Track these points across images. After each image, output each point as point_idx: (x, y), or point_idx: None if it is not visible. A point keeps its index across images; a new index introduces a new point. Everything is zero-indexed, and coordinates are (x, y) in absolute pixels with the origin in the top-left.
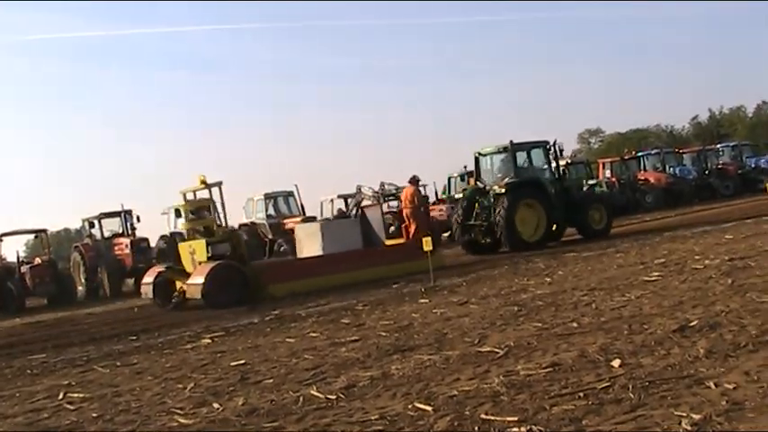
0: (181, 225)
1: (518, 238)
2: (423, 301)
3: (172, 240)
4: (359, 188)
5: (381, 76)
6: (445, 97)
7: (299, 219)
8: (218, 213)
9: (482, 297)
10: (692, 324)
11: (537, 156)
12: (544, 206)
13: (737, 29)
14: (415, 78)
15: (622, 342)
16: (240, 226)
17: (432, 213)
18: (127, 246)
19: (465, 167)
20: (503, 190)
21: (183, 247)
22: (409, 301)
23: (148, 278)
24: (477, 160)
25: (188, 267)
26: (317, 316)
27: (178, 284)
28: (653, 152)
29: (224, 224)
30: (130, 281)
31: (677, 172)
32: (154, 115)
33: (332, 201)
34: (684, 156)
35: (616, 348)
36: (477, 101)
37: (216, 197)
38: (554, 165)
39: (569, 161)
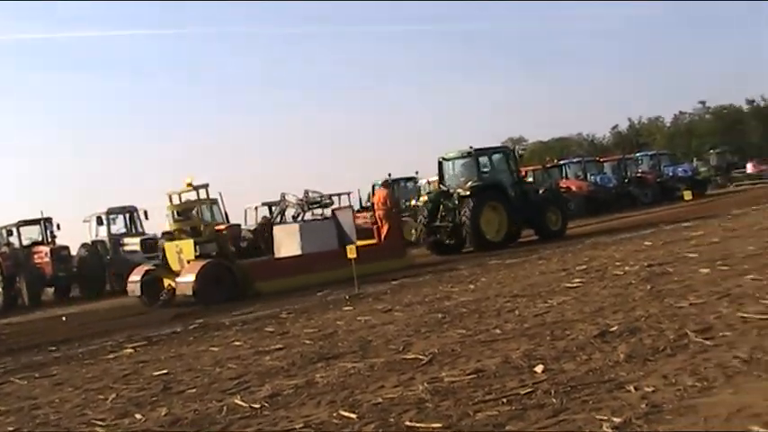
0: (168, 225)
1: (483, 238)
2: (347, 308)
3: (93, 248)
4: (283, 196)
5: (301, 81)
6: (371, 107)
7: (223, 227)
8: (218, 213)
9: (406, 304)
10: (612, 329)
11: (498, 160)
12: (506, 208)
13: (656, 39)
14: (345, 85)
15: (545, 348)
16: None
17: (357, 221)
18: (47, 254)
19: (389, 175)
20: (468, 192)
21: (170, 247)
22: (334, 309)
23: (135, 276)
24: (440, 165)
25: (175, 266)
26: (242, 324)
27: (166, 282)
28: (574, 161)
29: (227, 223)
30: (50, 290)
31: (598, 180)
32: (78, 123)
33: (256, 208)
34: (605, 165)
35: (539, 354)
36: (398, 111)
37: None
38: (514, 169)
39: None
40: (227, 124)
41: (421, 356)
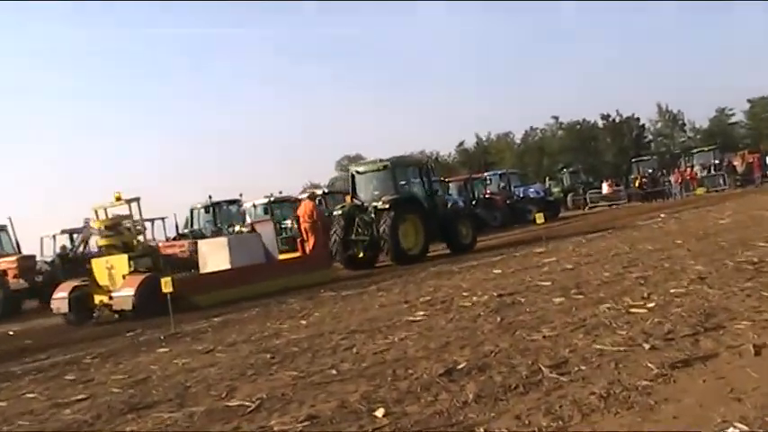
0: (97, 241)
1: (402, 251)
2: (162, 350)
3: None
4: (86, 222)
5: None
6: (187, 129)
7: (13, 258)
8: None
9: (230, 344)
10: (459, 366)
11: (413, 173)
12: (422, 221)
13: (504, 54)
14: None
15: (386, 389)
16: None
17: (171, 251)
18: None
19: (210, 197)
20: (387, 206)
21: (99, 263)
22: (146, 351)
23: (62, 293)
24: (353, 178)
25: (104, 282)
26: (36, 373)
27: (97, 299)
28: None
29: (145, 239)
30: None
31: None
32: None
33: (54, 237)
34: (451, 185)
35: (379, 396)
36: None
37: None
38: (427, 182)
39: (326, 191)
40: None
41: (247, 403)
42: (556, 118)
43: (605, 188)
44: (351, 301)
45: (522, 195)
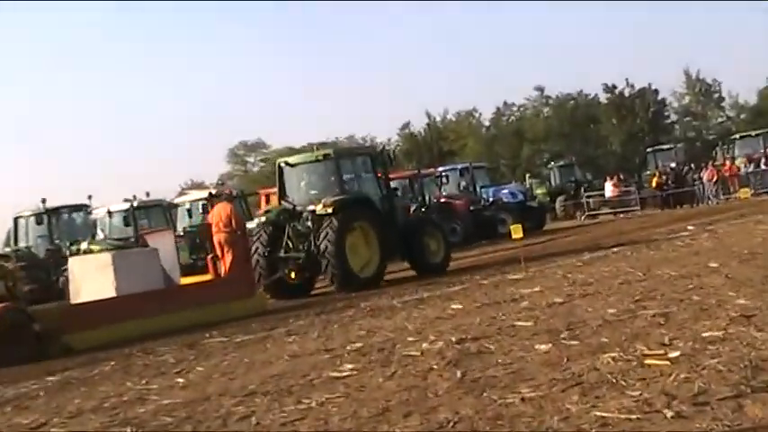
0: None
1: (350, 272)
2: None
3: None
4: None
5: None
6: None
7: None
8: None
9: (72, 414)
10: None
11: (363, 166)
12: (377, 231)
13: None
14: None
15: None
16: None
17: None
18: None
19: (43, 201)
20: (329, 209)
21: None
22: None
23: None
24: (280, 172)
25: None
26: None
27: None
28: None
29: None
30: None
31: None
32: None
33: None
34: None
35: None
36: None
37: None
38: (384, 179)
39: (213, 192)
40: None
41: None
42: (540, 90)
43: (609, 189)
44: (249, 350)
45: (491, 199)
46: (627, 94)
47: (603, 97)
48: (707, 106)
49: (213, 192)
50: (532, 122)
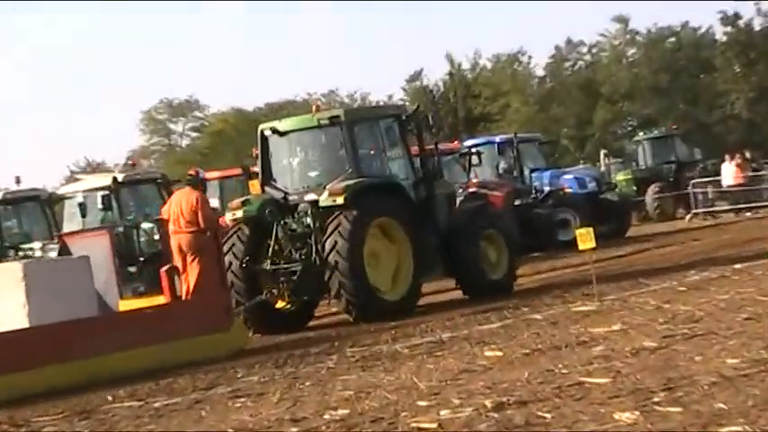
0: None
1: (371, 291)
2: None
3: None
4: None
5: None
6: None
7: None
8: None
9: None
10: None
11: (387, 136)
12: (409, 232)
13: None
14: None
15: None
16: None
17: None
18: None
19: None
20: (339, 200)
21: None
22: None
23: None
24: (264, 144)
25: None
26: None
27: None
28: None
29: None
30: None
31: None
32: None
33: None
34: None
35: None
36: None
37: None
38: (419, 156)
39: (119, 178)
40: None
41: None
42: (623, 22)
43: (730, 174)
44: (172, 423)
45: (547, 189)
46: (758, 26)
47: (720, 32)
48: None
49: (119, 176)
50: (610, 71)
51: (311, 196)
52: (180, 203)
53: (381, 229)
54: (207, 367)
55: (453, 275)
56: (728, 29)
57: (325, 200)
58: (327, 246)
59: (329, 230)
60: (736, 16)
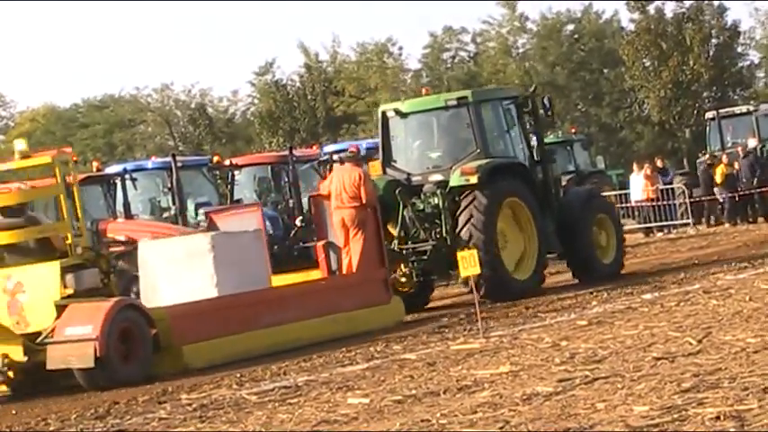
0: None
1: (504, 270)
2: None
3: None
4: None
5: None
6: None
7: None
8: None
9: None
10: None
11: (507, 118)
12: (534, 212)
13: None
14: None
15: None
16: None
17: None
18: None
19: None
20: (473, 179)
21: None
22: None
23: None
24: (385, 125)
25: (1, 315)
26: None
27: None
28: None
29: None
30: None
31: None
32: None
33: None
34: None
35: None
36: None
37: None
38: (535, 137)
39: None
40: None
41: None
42: (511, 6)
43: (639, 187)
44: None
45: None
46: (669, 14)
47: (627, 19)
48: None
49: None
50: (497, 64)
51: (437, 177)
52: (342, 179)
53: (509, 209)
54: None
55: (566, 258)
56: (636, 15)
57: (457, 179)
58: (461, 225)
59: (463, 206)
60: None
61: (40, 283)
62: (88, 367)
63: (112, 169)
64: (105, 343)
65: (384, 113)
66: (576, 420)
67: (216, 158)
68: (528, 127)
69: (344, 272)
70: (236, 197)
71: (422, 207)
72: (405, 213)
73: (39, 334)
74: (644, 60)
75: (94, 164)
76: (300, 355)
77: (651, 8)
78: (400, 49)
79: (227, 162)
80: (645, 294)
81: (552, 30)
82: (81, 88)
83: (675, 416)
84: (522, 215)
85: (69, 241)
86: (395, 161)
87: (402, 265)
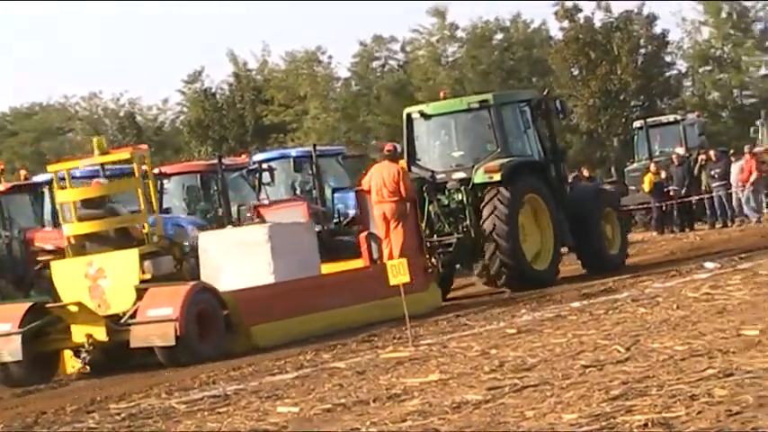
0: (69, 228)
1: (524, 261)
2: None
3: None
4: None
5: None
6: None
7: None
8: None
9: None
10: None
11: (523, 120)
12: (550, 207)
13: None
14: None
15: None
16: None
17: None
18: None
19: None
20: (496, 176)
21: (69, 266)
22: None
23: (5, 325)
24: (409, 126)
25: (83, 299)
26: None
27: (79, 332)
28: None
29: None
30: None
31: None
32: None
33: None
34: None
35: None
36: None
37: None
38: (549, 137)
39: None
40: None
41: None
42: (441, 15)
43: None
44: None
45: (353, 213)
46: (598, 23)
47: (556, 28)
48: (741, 46)
49: None
50: (428, 73)
51: (460, 174)
52: (382, 175)
53: (528, 205)
54: None
55: (575, 250)
56: (565, 24)
57: (480, 177)
58: (486, 220)
59: (487, 200)
60: (576, 9)
61: (121, 268)
62: (169, 345)
63: (40, 178)
64: (185, 323)
65: (409, 115)
66: (506, 428)
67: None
68: (542, 127)
69: (386, 261)
70: (164, 206)
71: (446, 203)
72: (430, 209)
73: (118, 316)
74: (572, 69)
75: (22, 172)
76: (230, 363)
77: (580, 17)
78: (330, 57)
79: (155, 171)
80: (573, 302)
81: (482, 38)
82: (8, 97)
83: (604, 423)
84: (539, 210)
85: (146, 230)
86: (419, 160)
87: (428, 257)
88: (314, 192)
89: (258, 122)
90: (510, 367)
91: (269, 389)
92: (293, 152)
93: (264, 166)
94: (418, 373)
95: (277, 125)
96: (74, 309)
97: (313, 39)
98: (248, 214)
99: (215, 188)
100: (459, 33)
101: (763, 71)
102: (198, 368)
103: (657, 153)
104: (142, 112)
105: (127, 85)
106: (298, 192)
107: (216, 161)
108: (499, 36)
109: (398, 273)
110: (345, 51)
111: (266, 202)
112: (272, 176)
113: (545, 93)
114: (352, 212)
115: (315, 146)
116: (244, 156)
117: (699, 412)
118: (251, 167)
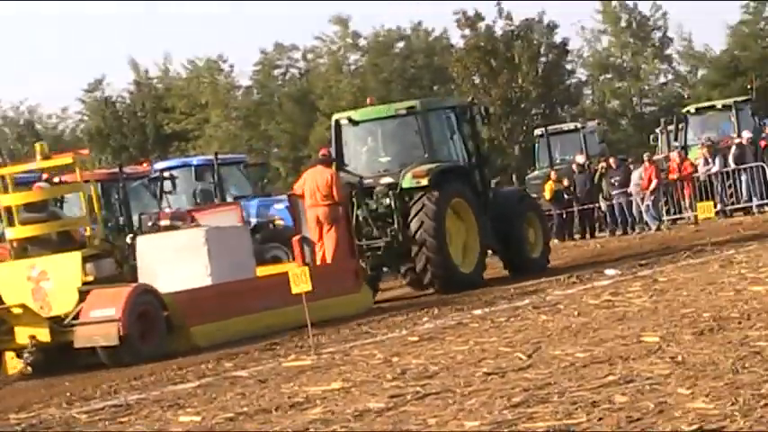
0: (11, 230)
1: (452, 265)
2: None
3: None
4: None
5: None
6: None
7: None
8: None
9: None
10: None
11: (449, 126)
12: (475, 212)
13: None
14: None
15: None
16: None
17: None
18: None
19: None
20: (424, 182)
21: (12, 269)
22: None
23: None
24: (338, 132)
25: (26, 301)
26: None
27: (21, 332)
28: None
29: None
30: None
31: None
32: None
33: None
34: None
35: None
36: None
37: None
38: (473, 143)
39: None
40: None
41: None
42: (343, 23)
43: None
44: None
45: (255, 221)
46: (499, 32)
47: (457, 36)
48: (641, 55)
49: None
50: (329, 81)
51: (388, 179)
52: (315, 179)
53: (454, 209)
54: None
55: (499, 253)
56: (467, 32)
57: (408, 182)
58: (414, 224)
59: (415, 210)
60: (478, 17)
61: (64, 271)
62: (112, 345)
63: None
64: (127, 323)
65: (337, 121)
66: None
67: (45, 176)
68: (466, 133)
69: (318, 264)
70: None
71: (375, 207)
72: (359, 213)
73: (61, 318)
74: (473, 77)
75: None
76: (130, 372)
77: (481, 26)
78: (231, 66)
79: (56, 179)
80: (475, 310)
81: (384, 46)
82: None
83: (506, 430)
84: (465, 214)
85: (88, 233)
86: (347, 165)
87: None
88: (215, 199)
89: (159, 131)
90: (412, 375)
91: (171, 398)
92: (195, 160)
93: (166, 174)
94: (320, 381)
95: (179, 133)
96: (17, 311)
97: (214, 47)
98: (149, 223)
99: (116, 197)
100: (362, 42)
101: (662, 79)
102: (97, 377)
103: (558, 161)
104: (42, 121)
105: (26, 94)
106: (199, 201)
107: (116, 169)
108: (401, 44)
109: (300, 281)
110: (247, 59)
111: (167, 210)
112: (173, 185)
113: (470, 100)
114: (254, 220)
115: (216, 154)
116: (145, 164)
117: (600, 419)
118: (152, 176)
